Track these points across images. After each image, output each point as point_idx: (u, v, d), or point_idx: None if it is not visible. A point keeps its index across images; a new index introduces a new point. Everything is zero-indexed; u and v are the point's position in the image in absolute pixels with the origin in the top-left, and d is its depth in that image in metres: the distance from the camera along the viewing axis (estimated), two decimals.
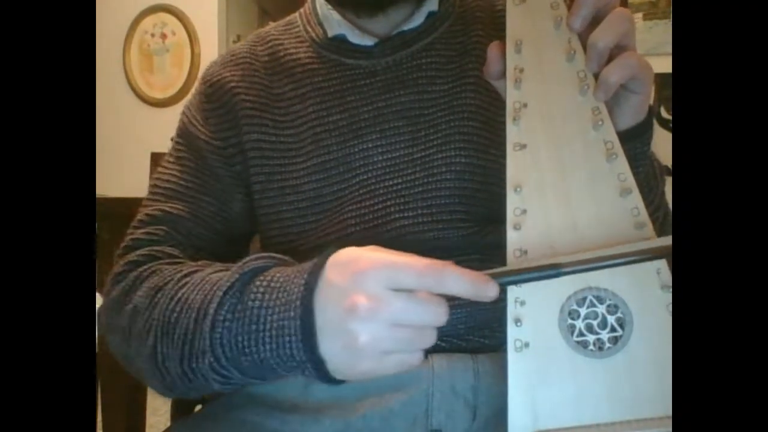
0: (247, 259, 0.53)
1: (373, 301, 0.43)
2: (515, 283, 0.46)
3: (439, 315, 0.43)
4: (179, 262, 0.60)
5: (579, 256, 0.46)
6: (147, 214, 0.66)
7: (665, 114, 2.23)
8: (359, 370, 0.45)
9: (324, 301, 0.45)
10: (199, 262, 0.59)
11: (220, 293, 0.51)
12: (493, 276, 0.44)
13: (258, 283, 0.50)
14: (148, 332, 0.55)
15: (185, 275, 0.56)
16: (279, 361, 0.48)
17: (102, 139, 3.18)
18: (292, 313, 0.46)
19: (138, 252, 0.62)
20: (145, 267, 0.60)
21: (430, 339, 0.44)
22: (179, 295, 0.54)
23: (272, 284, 0.49)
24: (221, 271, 0.54)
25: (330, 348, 0.45)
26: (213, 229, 0.67)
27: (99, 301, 0.63)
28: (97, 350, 0.59)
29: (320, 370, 0.46)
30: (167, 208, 0.65)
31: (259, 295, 0.49)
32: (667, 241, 0.45)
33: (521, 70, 0.51)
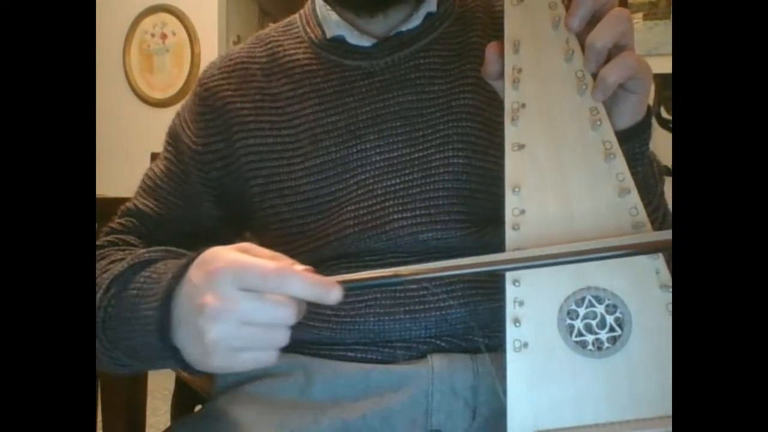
0: (144, 250, 0.57)
1: (221, 301, 0.44)
2: (359, 289, 0.47)
3: (287, 315, 0.45)
4: (130, 250, 0.63)
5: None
6: (126, 206, 0.70)
7: (665, 114, 2.23)
8: (213, 365, 0.47)
9: (183, 297, 0.48)
10: (141, 251, 0.62)
11: (109, 281, 0.55)
12: (342, 282, 0.45)
13: (144, 273, 0.54)
14: None
15: (113, 261, 0.60)
16: (147, 349, 0.51)
17: (102, 139, 3.17)
18: (154, 304, 0.50)
19: (106, 238, 0.66)
20: (103, 251, 0.64)
21: (281, 338, 0.45)
22: (100, 279, 0.58)
23: (153, 276, 0.53)
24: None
25: (185, 341, 0.48)
26: (181, 229, 0.69)
27: None
28: None
29: (179, 362, 0.49)
30: (140, 204, 0.70)
31: (140, 285, 0.53)
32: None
33: (519, 71, 0.51)
